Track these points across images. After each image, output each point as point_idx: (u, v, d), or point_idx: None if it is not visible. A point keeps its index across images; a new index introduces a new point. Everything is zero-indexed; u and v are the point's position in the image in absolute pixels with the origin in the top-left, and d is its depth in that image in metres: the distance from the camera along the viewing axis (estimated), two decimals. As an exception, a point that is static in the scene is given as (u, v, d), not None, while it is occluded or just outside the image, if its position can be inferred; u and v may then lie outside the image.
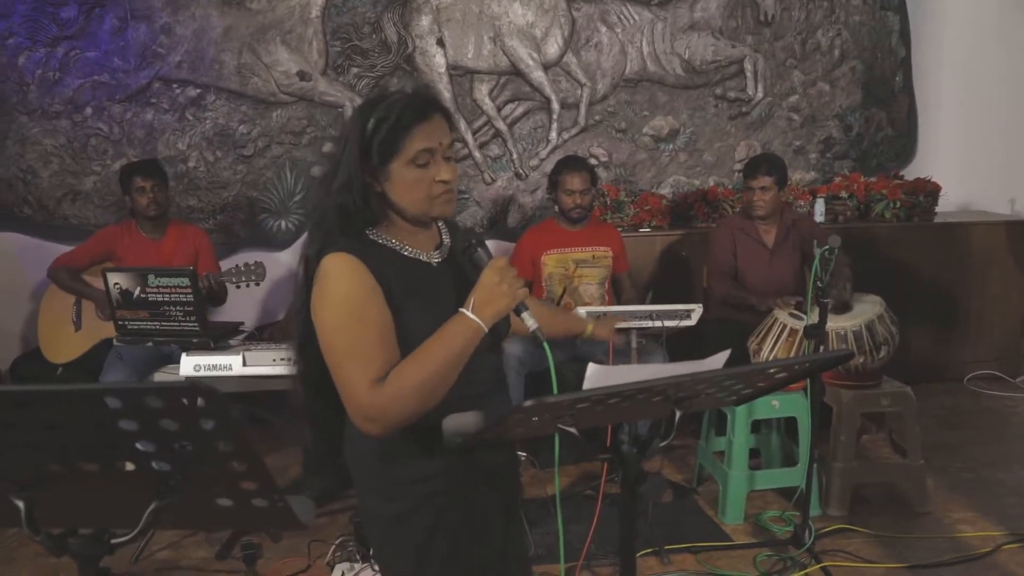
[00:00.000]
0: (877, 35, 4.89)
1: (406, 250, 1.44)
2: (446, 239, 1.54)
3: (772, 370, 1.17)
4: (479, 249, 1.41)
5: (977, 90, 4.94)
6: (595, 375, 1.02)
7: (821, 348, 2.50)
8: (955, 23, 4.92)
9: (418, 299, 1.39)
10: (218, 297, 3.45)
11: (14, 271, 4.24)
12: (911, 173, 4.89)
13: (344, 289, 1.34)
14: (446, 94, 4.42)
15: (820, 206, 4.53)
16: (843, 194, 4.60)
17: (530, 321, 1.35)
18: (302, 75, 4.31)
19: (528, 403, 0.98)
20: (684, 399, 1.16)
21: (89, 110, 4.20)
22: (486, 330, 1.33)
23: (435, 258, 1.48)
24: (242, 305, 4.22)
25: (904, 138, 5.05)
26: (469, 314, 1.32)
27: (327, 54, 4.33)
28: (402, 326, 1.37)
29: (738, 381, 1.15)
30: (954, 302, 4.59)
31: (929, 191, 4.58)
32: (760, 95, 4.78)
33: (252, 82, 4.29)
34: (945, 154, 4.96)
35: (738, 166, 4.79)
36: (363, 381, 1.30)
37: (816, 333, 2.47)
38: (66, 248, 3.85)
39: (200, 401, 0.82)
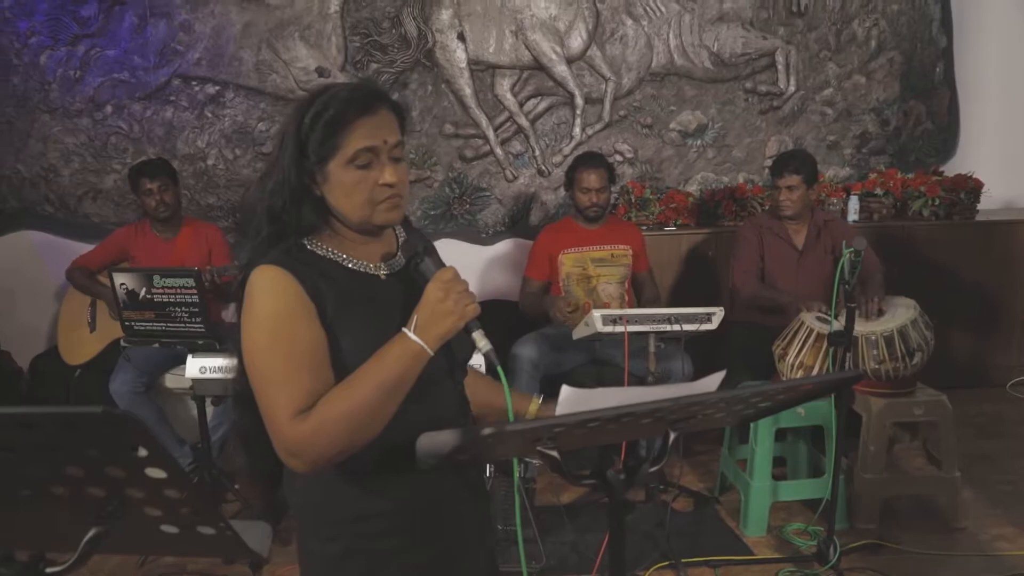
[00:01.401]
0: (916, 24, 4.69)
1: (350, 262, 1.29)
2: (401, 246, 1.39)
3: (758, 399, 1.05)
4: (425, 259, 1.25)
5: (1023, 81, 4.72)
6: (569, 399, 0.92)
7: (847, 355, 2.37)
8: (999, 10, 4.70)
9: (360, 318, 1.24)
10: (229, 293, 3.41)
11: (37, 269, 4.26)
12: (951, 169, 4.68)
13: (269, 307, 1.19)
14: (467, 89, 4.34)
15: (854, 204, 4.36)
16: (878, 191, 4.42)
17: (482, 342, 1.21)
18: (321, 71, 4.26)
19: (487, 431, 0.89)
20: (678, 421, 1.05)
21: (109, 108, 4.20)
22: (430, 353, 1.19)
23: (384, 271, 1.33)
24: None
25: (944, 132, 4.84)
26: (410, 335, 1.18)
27: (346, 50, 4.27)
28: (339, 349, 1.22)
29: (731, 406, 1.04)
30: (995, 305, 4.39)
31: (971, 188, 4.38)
32: (792, 88, 4.61)
33: (271, 79, 4.25)
34: (988, 149, 4.74)
35: (769, 162, 4.62)
36: (285, 411, 1.15)
37: (841, 340, 2.33)
38: (87, 246, 3.86)
39: (120, 428, 0.74)
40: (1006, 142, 4.73)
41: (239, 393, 1.28)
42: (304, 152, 1.23)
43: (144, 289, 2.64)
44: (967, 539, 2.81)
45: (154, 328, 2.69)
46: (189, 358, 2.59)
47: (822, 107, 4.68)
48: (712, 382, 1.06)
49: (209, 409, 2.90)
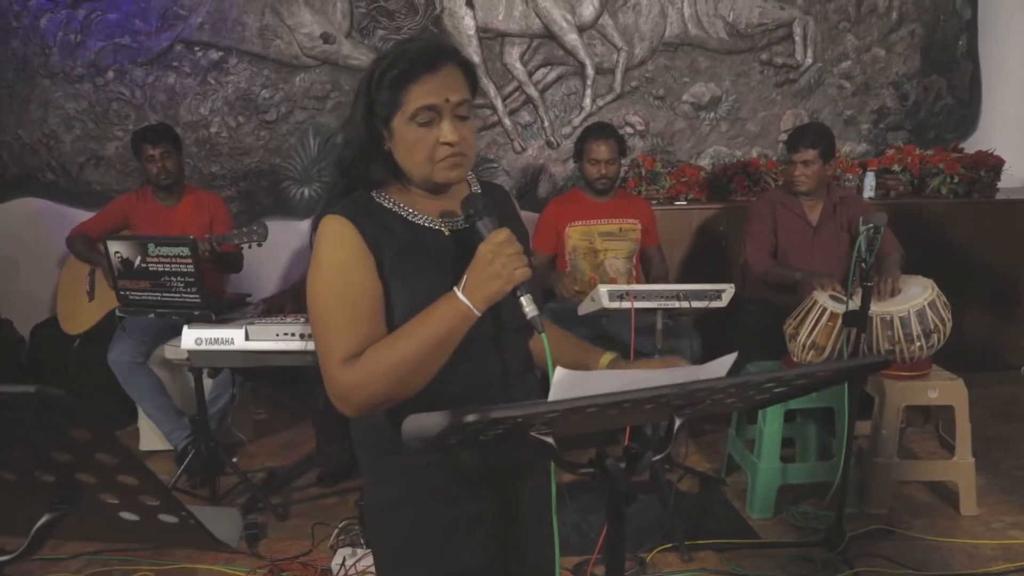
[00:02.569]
0: (940, -5, 4.54)
1: (414, 216, 1.29)
2: None
3: (772, 384, 0.97)
4: (484, 218, 1.22)
5: (1049, 56, 4.57)
6: (563, 382, 0.85)
7: (862, 336, 2.28)
8: (1027, -20, 4.54)
9: (416, 272, 1.25)
10: (231, 263, 3.34)
11: (38, 236, 4.21)
12: (972, 146, 4.55)
13: (329, 255, 1.23)
14: (475, 58, 4.23)
15: (870, 180, 4.25)
16: (896, 167, 4.30)
17: (528, 307, 1.18)
18: (326, 37, 4.16)
19: (471, 417, 0.82)
20: (684, 407, 0.98)
21: (111, 73, 4.12)
22: (477, 314, 1.17)
23: (448, 227, 1.31)
24: (264, 276, 4.14)
25: (965, 108, 4.70)
26: (459, 295, 1.17)
27: (352, 16, 4.17)
28: (394, 300, 1.24)
29: (742, 391, 0.96)
30: (1013, 285, 4.28)
31: (991, 165, 4.25)
32: (809, 61, 4.48)
33: (275, 45, 4.16)
34: (1010, 126, 4.60)
35: (783, 136, 4.51)
36: (335, 356, 1.19)
37: (856, 321, 2.25)
38: (89, 214, 3.79)
39: (59, 410, 0.67)
40: (1030, 119, 4.59)
41: None
42: (373, 109, 1.25)
43: (139, 258, 2.58)
44: (979, 526, 2.74)
45: (149, 298, 2.63)
46: (185, 329, 2.52)
47: (840, 80, 4.55)
48: (722, 365, 0.98)
49: (207, 382, 2.85)
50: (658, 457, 1.02)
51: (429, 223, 1.30)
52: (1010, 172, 4.37)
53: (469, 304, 1.16)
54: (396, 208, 1.29)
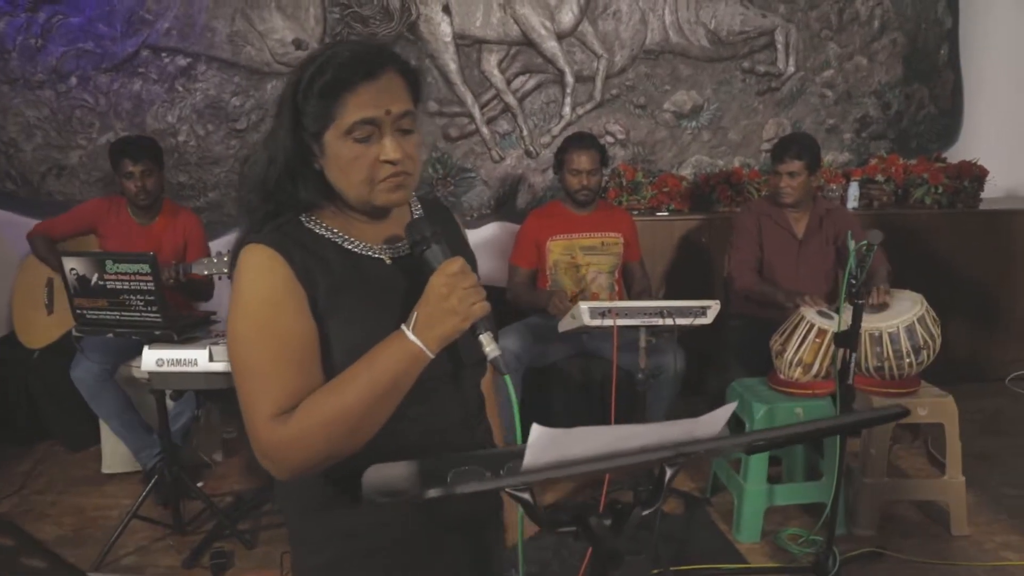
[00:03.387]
0: (921, 4, 4.51)
1: (351, 244, 1.14)
2: None
3: (776, 438, 0.88)
4: (432, 246, 1.09)
5: (1030, 66, 4.55)
6: (542, 442, 0.74)
7: (851, 355, 2.20)
8: (1007, -9, 4.52)
9: (355, 309, 1.10)
10: (200, 292, 3.17)
11: (-2, 249, 4.05)
12: (953, 156, 4.52)
13: (252, 292, 1.07)
14: (452, 65, 4.13)
15: (854, 190, 4.19)
16: (879, 177, 4.25)
17: (489, 347, 1.06)
18: (298, 44, 4.04)
19: (433, 492, 0.71)
20: (674, 458, 0.88)
21: (74, 80, 3.96)
22: (430, 356, 1.04)
23: (389, 255, 1.17)
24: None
25: (947, 117, 4.67)
26: (409, 334, 1.03)
27: (325, 22, 4.05)
28: (332, 341, 1.08)
29: (738, 446, 0.86)
30: (994, 297, 4.25)
31: (975, 176, 4.21)
32: (791, 69, 4.42)
33: (245, 51, 4.03)
34: (992, 135, 4.58)
35: (766, 146, 4.46)
36: (263, 410, 1.04)
37: (848, 342, 2.17)
38: (52, 226, 3.64)
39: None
40: (1011, 129, 4.57)
41: None
42: (300, 121, 1.09)
43: (96, 275, 2.44)
44: (971, 547, 2.67)
45: (107, 317, 2.49)
46: (145, 350, 2.40)
47: (822, 89, 4.49)
48: (719, 418, 0.88)
49: (169, 403, 2.71)
50: (648, 512, 0.92)
51: (368, 251, 1.15)
52: (992, 182, 4.34)
53: (420, 344, 1.03)
54: (330, 235, 1.13)
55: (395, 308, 1.10)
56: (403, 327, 1.05)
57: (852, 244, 2.37)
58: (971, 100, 4.64)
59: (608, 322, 2.51)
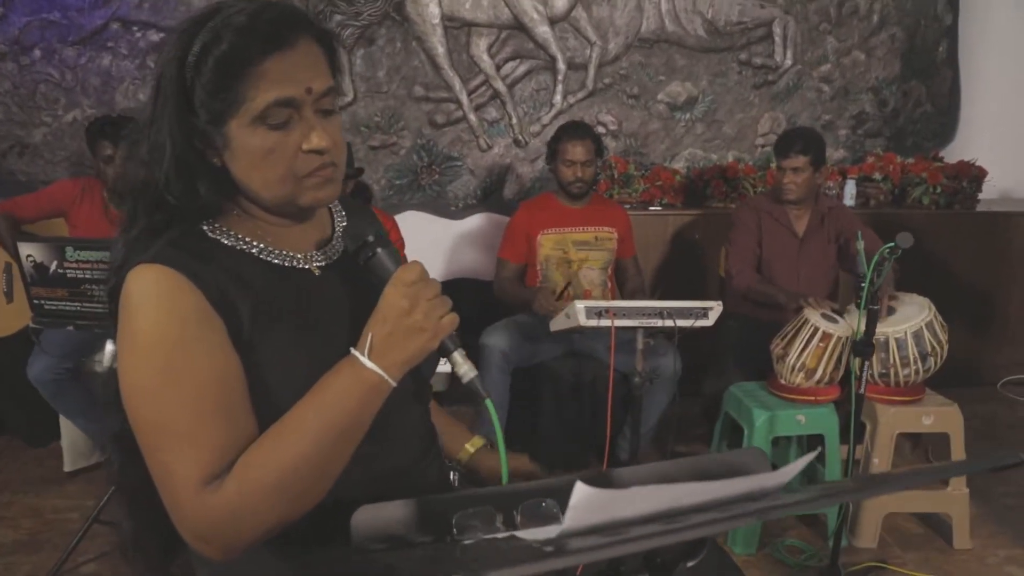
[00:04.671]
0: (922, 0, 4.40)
1: (269, 254, 0.95)
2: (339, 231, 1.03)
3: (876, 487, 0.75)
4: (378, 251, 0.90)
5: (1028, 65, 4.47)
6: (584, 504, 0.59)
7: (866, 364, 2.08)
8: (1008, -12, 4.43)
9: (291, 331, 0.91)
10: None
11: (-46, 230, 3.82)
12: (949, 155, 4.43)
13: (151, 328, 0.84)
14: (440, 48, 3.96)
15: (851, 188, 4.09)
16: (876, 176, 4.15)
17: (463, 367, 0.90)
18: (278, 21, 3.84)
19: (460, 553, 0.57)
20: (751, 515, 0.74)
21: (38, 52, 3.74)
22: (392, 384, 0.86)
23: (318, 261, 0.99)
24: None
25: (944, 116, 4.58)
26: (363, 360, 0.85)
27: (307, 0, 3.86)
28: (262, 380, 0.88)
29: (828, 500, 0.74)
30: (990, 300, 4.17)
31: (973, 176, 4.12)
32: (789, 63, 4.30)
33: (222, 27, 3.82)
34: (988, 135, 4.50)
35: (760, 140, 4.34)
36: (187, 479, 0.83)
37: (865, 351, 2.04)
38: (13, 207, 3.42)
39: None
40: (1007, 129, 4.49)
41: (120, 434, 0.92)
42: (190, 106, 0.87)
43: (55, 263, 2.26)
44: (974, 561, 2.58)
45: (67, 308, 2.30)
46: (108, 344, 2.22)
47: (819, 83, 4.38)
48: (788, 472, 0.74)
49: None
50: (692, 564, 0.78)
51: (292, 261, 0.96)
52: (989, 183, 4.26)
53: (379, 371, 0.85)
54: (241, 245, 0.93)
55: (335, 328, 0.92)
56: (354, 352, 0.86)
57: (861, 245, 2.26)
58: (968, 99, 4.55)
59: (605, 323, 2.37)
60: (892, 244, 1.95)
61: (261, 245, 0.94)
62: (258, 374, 0.88)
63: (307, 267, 0.97)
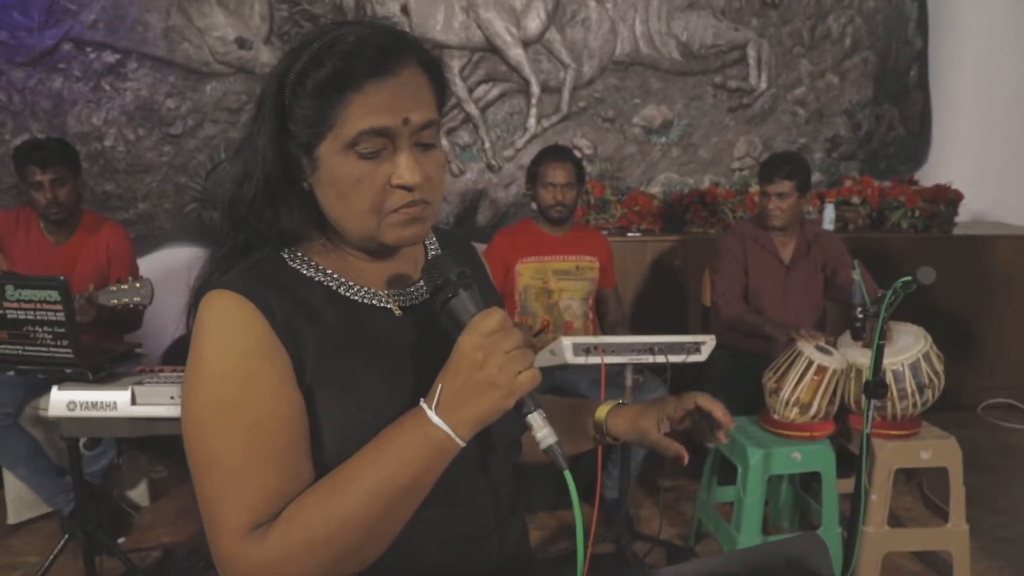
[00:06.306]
0: (893, 23, 4.40)
1: (348, 288, 0.88)
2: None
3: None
4: (460, 292, 0.81)
5: (998, 88, 4.48)
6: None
7: (874, 404, 1.98)
8: (976, 12, 4.44)
9: (359, 375, 0.83)
10: (124, 320, 2.75)
11: None
12: (923, 178, 4.42)
13: (217, 356, 0.80)
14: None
15: (830, 212, 4.04)
16: (855, 199, 4.10)
17: (543, 431, 0.79)
18: (241, 42, 3.69)
19: None
20: None
21: (-17, 74, 3.54)
22: (460, 444, 0.77)
23: (401, 300, 0.91)
24: (163, 319, 3.60)
25: (916, 139, 4.57)
26: (431, 415, 0.77)
27: (272, 19, 3.71)
28: (323, 421, 0.82)
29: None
30: (968, 323, 4.13)
31: (950, 199, 4.10)
32: (763, 86, 4.26)
33: (182, 48, 3.66)
34: (960, 158, 4.49)
35: (736, 164, 4.28)
36: (232, 521, 0.76)
37: (878, 392, 1.94)
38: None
39: None
40: (978, 152, 4.49)
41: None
42: (287, 127, 0.84)
43: (-5, 302, 2.07)
44: (975, 601, 2.48)
45: (8, 352, 2.11)
46: (54, 391, 2.03)
47: (794, 107, 4.34)
48: None
49: (84, 452, 2.34)
50: None
51: (372, 299, 0.89)
52: (964, 205, 4.25)
53: (447, 429, 0.76)
54: (321, 277, 0.88)
55: (409, 376, 0.85)
56: (423, 404, 0.78)
57: (858, 275, 2.17)
58: (939, 123, 4.55)
59: (594, 359, 2.24)
60: (908, 278, 1.85)
61: (342, 279, 0.89)
62: (317, 418, 0.82)
63: (387, 306, 0.90)
